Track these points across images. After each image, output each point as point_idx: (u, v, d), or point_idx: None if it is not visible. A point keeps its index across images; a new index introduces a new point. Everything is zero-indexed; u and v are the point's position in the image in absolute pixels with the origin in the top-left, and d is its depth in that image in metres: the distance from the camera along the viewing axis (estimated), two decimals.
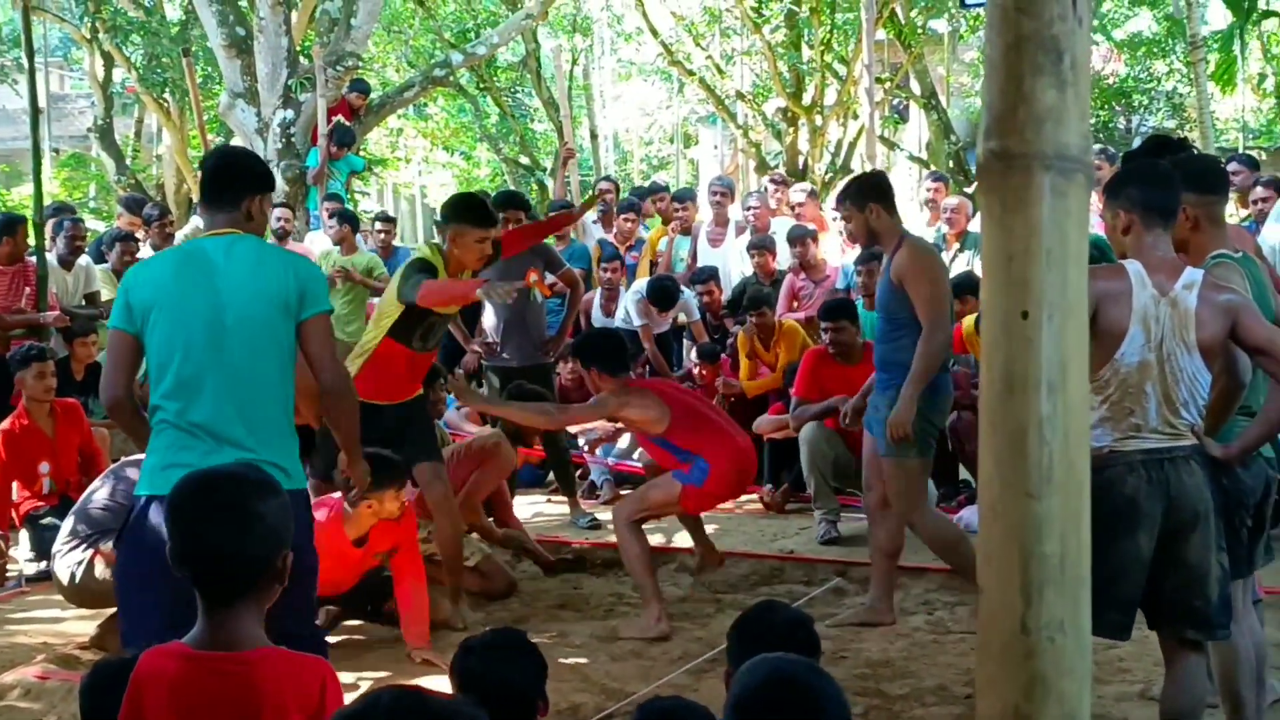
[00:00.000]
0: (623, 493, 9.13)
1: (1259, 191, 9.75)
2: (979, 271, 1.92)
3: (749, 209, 11.12)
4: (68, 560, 5.80)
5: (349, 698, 2.49)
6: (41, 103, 12.63)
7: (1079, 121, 1.69)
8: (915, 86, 21.81)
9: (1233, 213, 9.82)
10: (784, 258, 10.37)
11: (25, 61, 10.00)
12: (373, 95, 15.62)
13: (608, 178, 14.95)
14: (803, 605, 5.59)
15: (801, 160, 20.02)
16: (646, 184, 18.33)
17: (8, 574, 7.18)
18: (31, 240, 9.47)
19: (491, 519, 7.37)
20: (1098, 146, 9.53)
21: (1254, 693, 4.14)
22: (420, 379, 6.47)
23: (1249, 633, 4.16)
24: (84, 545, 5.78)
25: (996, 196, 1.72)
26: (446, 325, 6.50)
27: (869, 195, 5.86)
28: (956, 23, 22.04)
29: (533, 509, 8.90)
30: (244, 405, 3.88)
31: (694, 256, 11.11)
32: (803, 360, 8.19)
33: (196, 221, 10.93)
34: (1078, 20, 1.67)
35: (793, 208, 11.28)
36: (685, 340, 10.41)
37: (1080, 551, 1.70)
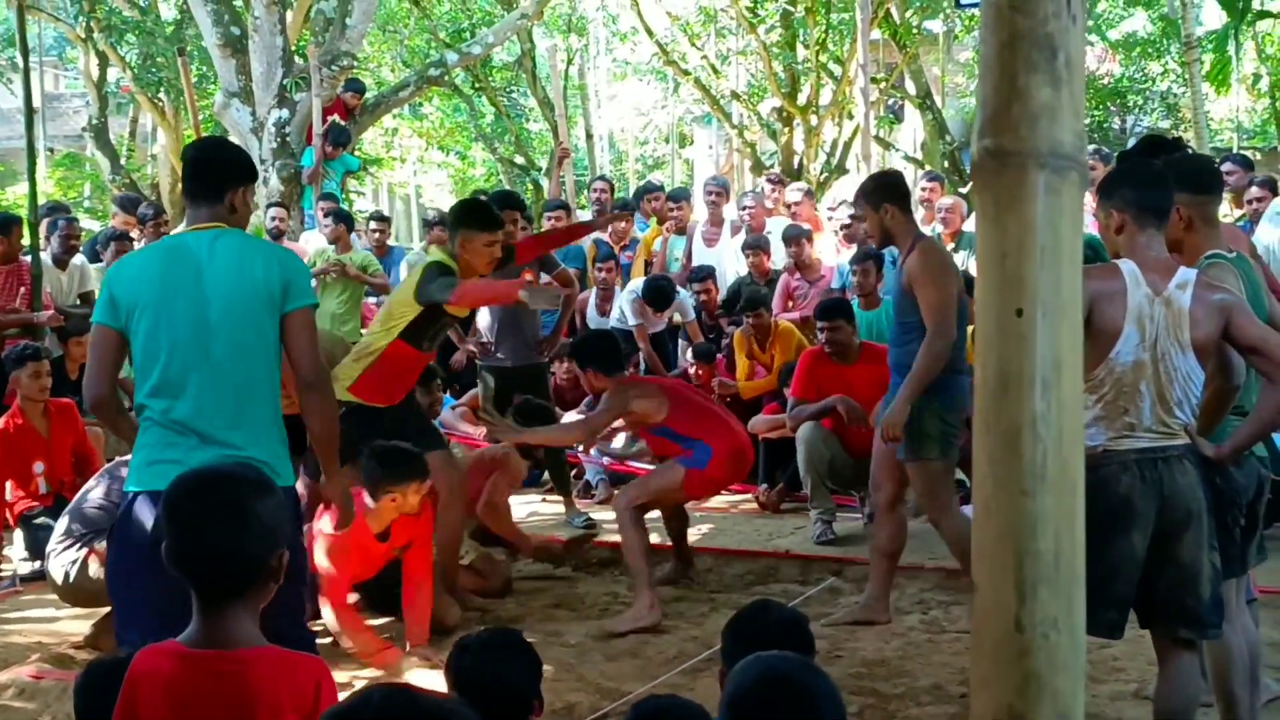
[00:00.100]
0: (617, 492, 9.14)
1: (1254, 191, 9.76)
2: (974, 272, 1.92)
3: (744, 209, 11.12)
4: (62, 560, 5.80)
5: (343, 697, 2.49)
6: (36, 102, 12.61)
7: (1073, 119, 1.69)
8: (910, 86, 21.82)
9: (1227, 213, 9.83)
10: (779, 257, 10.38)
11: (20, 61, 10.00)
12: (368, 95, 15.62)
13: (602, 177, 14.92)
14: (798, 605, 5.58)
15: (796, 160, 20.03)
16: (642, 184, 18.33)
17: (2, 574, 7.17)
18: (26, 240, 9.47)
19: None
20: (1092, 147, 9.53)
21: (1248, 691, 4.15)
22: (416, 380, 6.55)
23: (1243, 631, 4.16)
24: (78, 545, 5.78)
25: (990, 194, 1.72)
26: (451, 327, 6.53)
27: (884, 195, 5.85)
28: (951, 23, 22.05)
29: (528, 508, 8.90)
30: (229, 403, 3.86)
31: (689, 256, 11.12)
32: (800, 360, 8.19)
33: None
34: (1071, 18, 1.67)
35: (789, 207, 11.29)
36: (681, 340, 10.41)
37: (1074, 549, 1.70)
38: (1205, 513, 3.81)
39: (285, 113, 14.18)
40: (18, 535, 7.45)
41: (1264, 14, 20.82)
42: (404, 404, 6.33)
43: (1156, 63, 25.33)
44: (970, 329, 5.92)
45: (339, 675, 3.57)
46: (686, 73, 21.90)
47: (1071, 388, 1.70)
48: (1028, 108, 1.68)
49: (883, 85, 20.41)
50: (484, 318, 8.68)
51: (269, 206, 12.70)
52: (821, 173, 20.10)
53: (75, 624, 6.06)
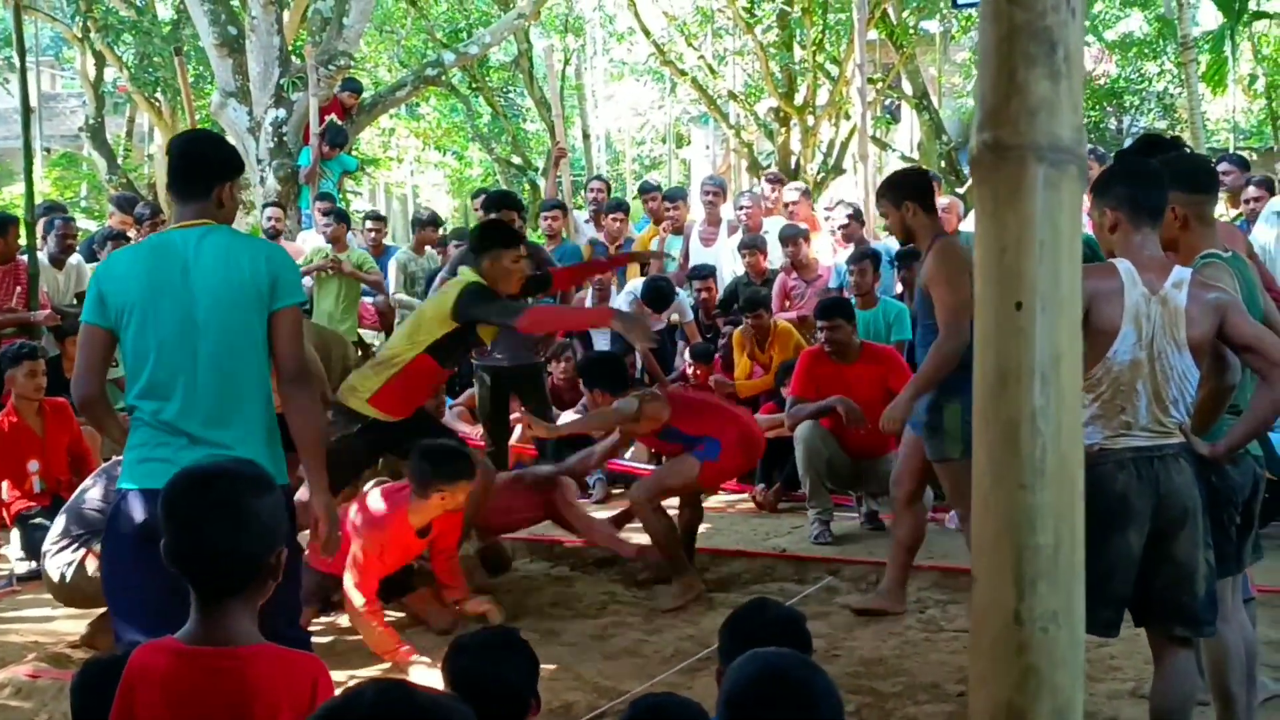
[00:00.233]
0: (615, 492, 9.13)
1: (1251, 191, 9.78)
2: (975, 270, 1.91)
3: (741, 208, 11.12)
4: (58, 560, 5.78)
5: None
6: (33, 102, 12.59)
7: (1072, 113, 1.69)
8: (907, 87, 21.84)
9: (1223, 212, 9.84)
10: (775, 257, 10.38)
11: (16, 60, 9.97)
12: (365, 95, 15.62)
13: (599, 177, 14.94)
14: (795, 603, 5.58)
15: (793, 160, 20.04)
16: (639, 184, 18.34)
17: None
18: (23, 239, 9.46)
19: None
20: (1087, 147, 9.53)
21: (1245, 690, 4.15)
22: (430, 394, 6.79)
23: (1239, 630, 4.16)
24: (75, 545, 5.76)
25: (989, 188, 1.71)
26: None
27: (906, 193, 5.83)
28: (948, 23, 22.04)
29: None
30: (218, 403, 3.82)
31: (686, 256, 11.11)
32: (799, 359, 8.18)
33: None
34: (1070, 12, 1.67)
35: (786, 206, 11.29)
36: (679, 341, 10.40)
37: (1073, 544, 1.70)
38: (1201, 511, 3.81)
39: (282, 112, 14.17)
40: (14, 535, 7.44)
41: (1260, 14, 20.86)
42: (416, 415, 6.38)
43: (1153, 63, 25.33)
44: None
45: (336, 675, 3.57)
46: (683, 73, 21.91)
47: (1071, 382, 1.70)
48: (1026, 101, 1.67)
49: (879, 85, 20.42)
50: None
51: (265, 206, 12.71)
52: (818, 173, 20.11)
53: (72, 623, 6.05)
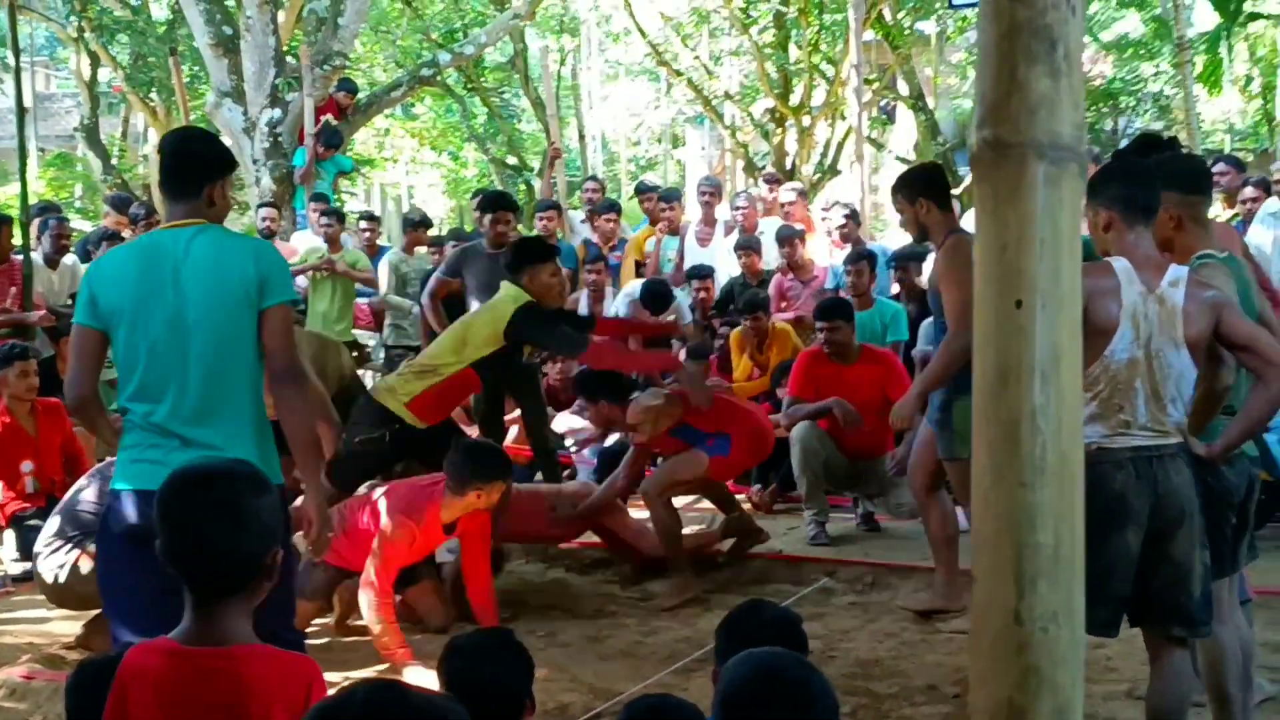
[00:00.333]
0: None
1: (1248, 192, 9.80)
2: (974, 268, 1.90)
3: (737, 209, 11.12)
4: (51, 562, 5.76)
5: None
6: (27, 102, 12.59)
7: (1072, 111, 1.68)
8: (903, 88, 21.85)
9: (1219, 213, 9.85)
10: (771, 257, 10.38)
11: (11, 60, 9.99)
12: (360, 95, 15.62)
13: (593, 177, 14.96)
14: (791, 604, 5.57)
15: (789, 161, 20.03)
16: (634, 184, 18.35)
17: None
18: (17, 239, 9.45)
19: None
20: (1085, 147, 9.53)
21: (1241, 691, 4.14)
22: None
23: (1236, 631, 4.16)
24: (69, 546, 5.74)
25: (989, 186, 1.71)
26: None
27: (920, 189, 5.81)
28: (944, 24, 22.05)
29: None
30: (209, 404, 3.79)
31: (681, 256, 11.11)
32: (797, 360, 8.17)
33: None
34: (1070, 9, 1.67)
35: (782, 207, 11.29)
36: (675, 342, 10.39)
37: (1074, 542, 1.70)
38: (1198, 512, 3.81)
39: (277, 112, 14.17)
40: (8, 536, 7.43)
41: (1255, 15, 20.87)
42: (445, 423, 6.51)
43: (1149, 64, 25.32)
44: None
45: (331, 675, 3.56)
46: (679, 73, 21.90)
47: (1071, 380, 1.70)
48: (1027, 99, 1.67)
49: (875, 86, 20.42)
50: None
51: (260, 206, 12.71)
52: (814, 174, 20.11)
53: (66, 624, 6.04)
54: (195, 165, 3.95)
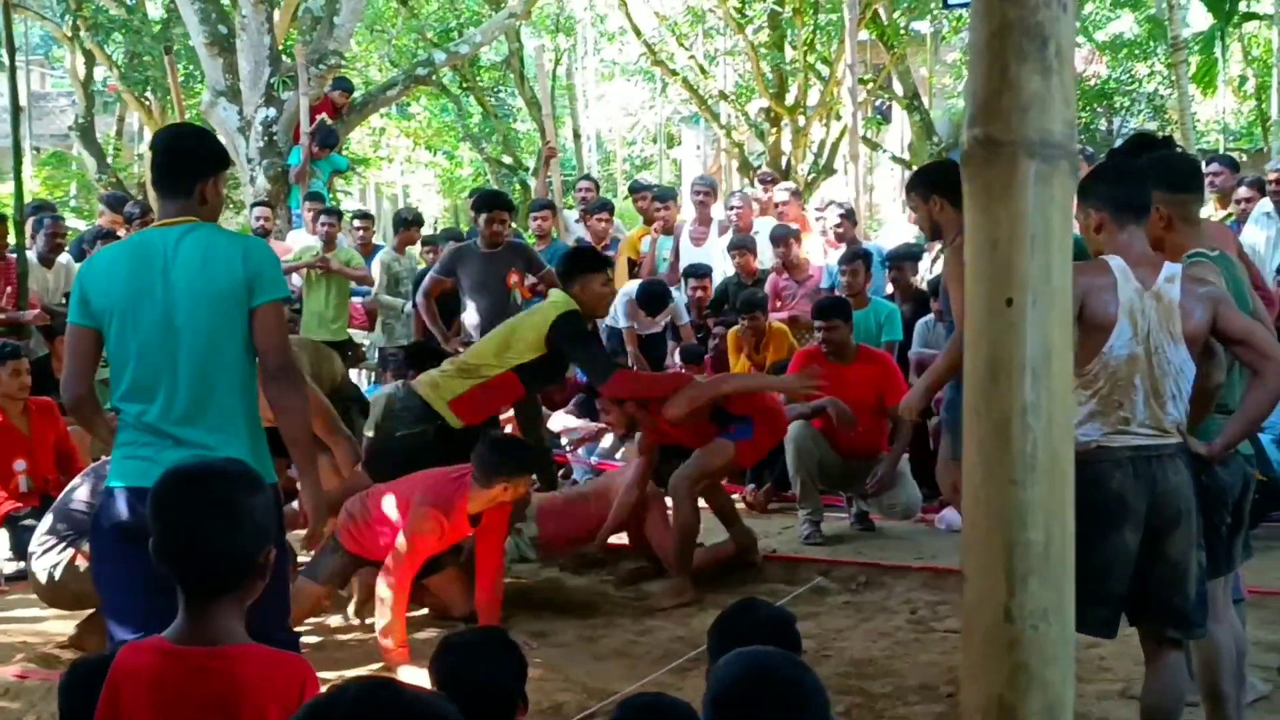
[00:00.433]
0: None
1: (1242, 192, 9.82)
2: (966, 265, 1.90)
3: (731, 209, 11.13)
4: (45, 561, 5.74)
5: None
6: (22, 101, 12.59)
7: (1063, 109, 1.68)
8: (898, 87, 21.86)
9: (1213, 213, 9.86)
10: (765, 257, 10.38)
11: (6, 59, 9.95)
12: (355, 94, 15.61)
13: (587, 176, 14.95)
14: (785, 604, 5.57)
15: (784, 161, 20.04)
16: (629, 184, 18.36)
17: None
18: (12, 238, 9.44)
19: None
20: (1078, 145, 9.56)
21: (1235, 689, 4.15)
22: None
23: (1230, 629, 4.16)
24: (63, 545, 5.72)
25: (981, 183, 1.71)
26: None
27: (934, 187, 5.77)
28: (939, 24, 22.09)
29: None
30: (199, 405, 3.76)
31: (676, 256, 11.11)
32: (794, 359, 8.18)
33: None
34: (1061, 7, 1.67)
35: (775, 207, 11.30)
36: (670, 341, 10.40)
37: (1064, 540, 1.70)
38: (1195, 511, 3.81)
39: (272, 111, 14.16)
40: (2, 535, 7.42)
41: (1250, 16, 20.90)
42: (484, 425, 6.54)
43: (1143, 64, 25.37)
44: None
45: (325, 675, 3.55)
46: (674, 73, 21.91)
47: (1062, 377, 1.70)
48: (1018, 97, 1.67)
49: (870, 86, 20.43)
50: (470, 317, 8.68)
51: (254, 205, 12.71)
52: (809, 173, 20.13)
53: (60, 624, 6.03)
54: (187, 162, 3.91)
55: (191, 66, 18.62)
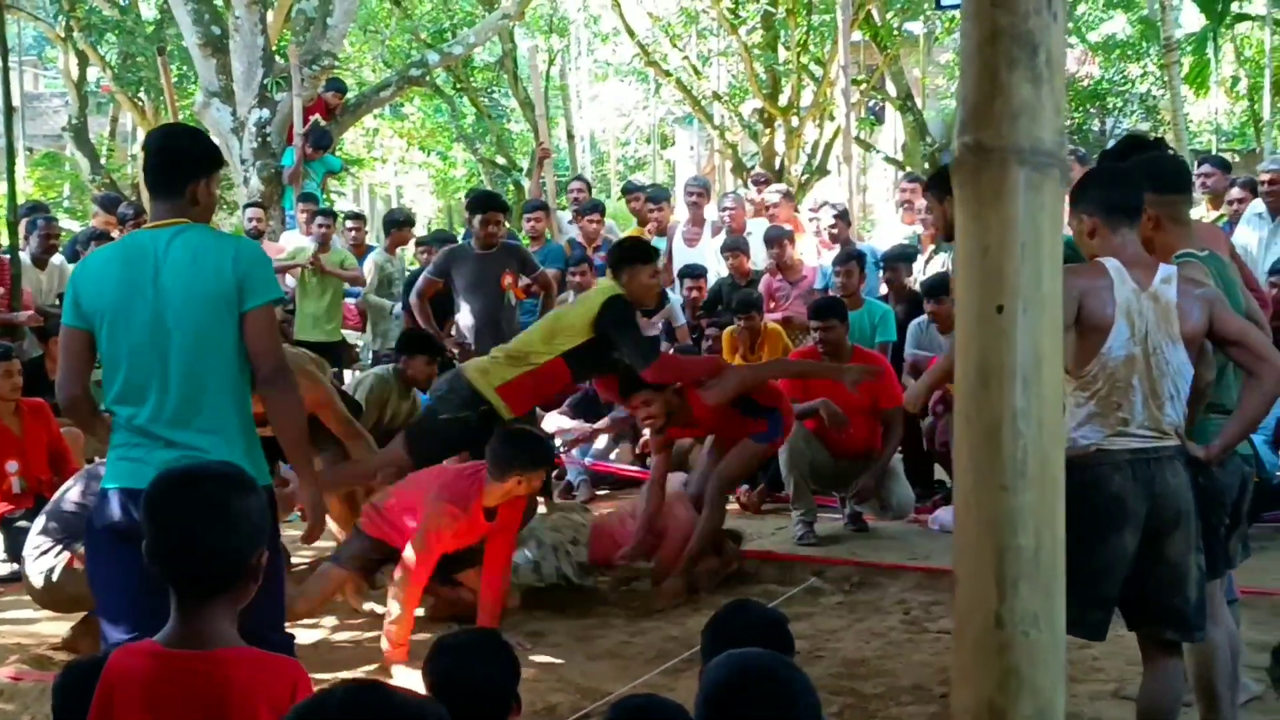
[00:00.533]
0: (599, 493, 9.12)
1: (1234, 193, 9.83)
2: (956, 271, 1.92)
3: (724, 210, 11.13)
4: (41, 563, 5.73)
5: None
6: (15, 101, 12.55)
7: (1053, 116, 1.69)
8: (891, 88, 21.88)
9: (1204, 214, 9.88)
10: (759, 258, 10.39)
11: None
12: (349, 95, 15.61)
13: (579, 177, 14.96)
14: (779, 605, 5.58)
15: (778, 161, 20.05)
16: (623, 185, 18.37)
17: None
18: (5, 239, 9.44)
19: None
20: (1069, 147, 9.56)
21: (1230, 689, 4.16)
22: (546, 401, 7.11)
23: (1225, 630, 4.17)
24: (57, 548, 5.71)
25: (971, 190, 1.72)
26: None
27: (949, 187, 5.81)
28: (932, 25, 22.11)
29: None
30: (190, 407, 3.74)
31: (670, 257, 11.11)
32: (790, 357, 8.19)
33: None
34: (1052, 15, 1.67)
35: (767, 209, 11.31)
36: (665, 342, 10.40)
37: (1055, 545, 1.70)
38: (1194, 514, 3.82)
39: (266, 112, 14.15)
40: None
41: (1242, 16, 20.95)
42: (525, 417, 6.57)
43: (1136, 65, 25.42)
44: None
45: (319, 677, 3.56)
46: (668, 74, 21.92)
47: (1052, 383, 1.71)
48: (1009, 104, 1.68)
49: (864, 87, 20.46)
50: (465, 318, 8.68)
51: (247, 206, 12.71)
52: (802, 174, 20.13)
53: (54, 625, 6.03)
54: (179, 162, 3.89)
55: (185, 67, 18.58)
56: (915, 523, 8.06)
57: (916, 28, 22.51)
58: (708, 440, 7.15)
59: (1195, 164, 10.60)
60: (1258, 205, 9.55)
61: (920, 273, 9.77)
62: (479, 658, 3.10)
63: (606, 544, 6.83)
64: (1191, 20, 22.57)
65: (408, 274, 11.08)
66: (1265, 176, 9.52)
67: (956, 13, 16.55)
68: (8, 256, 9.34)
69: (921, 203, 10.52)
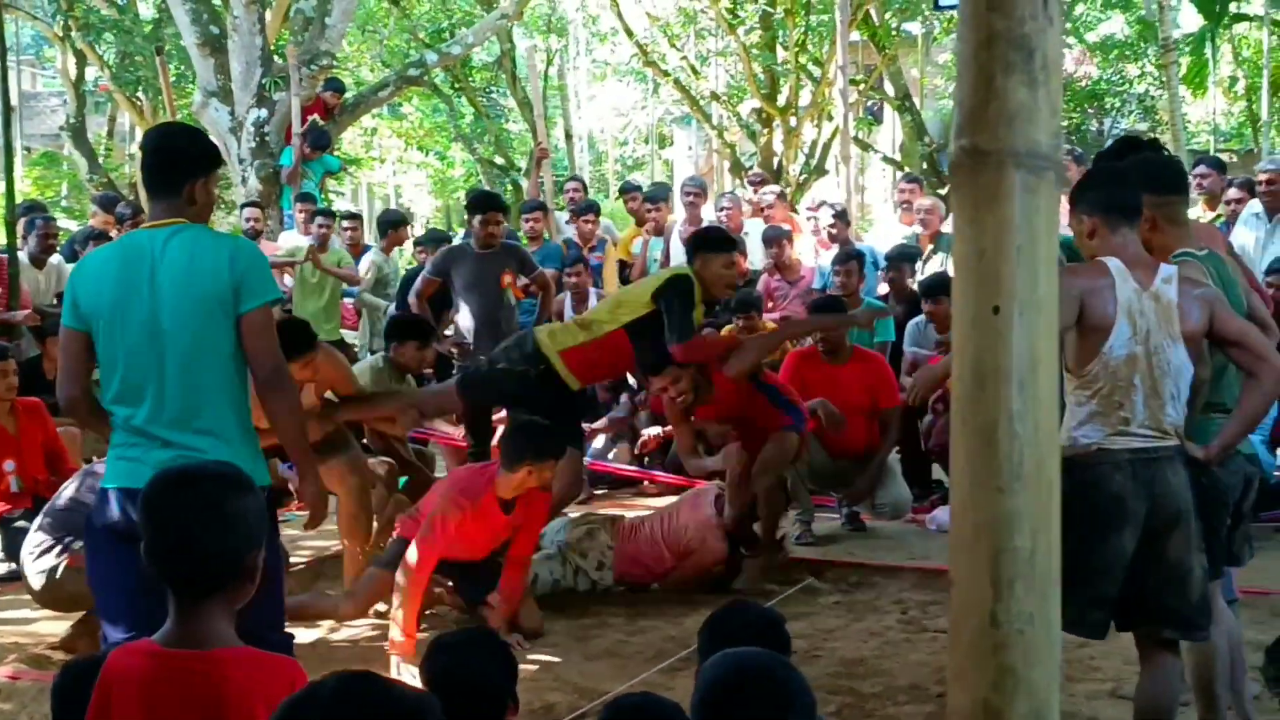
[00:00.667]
0: (597, 493, 9.11)
1: (1232, 193, 9.84)
2: (952, 272, 1.92)
3: (721, 210, 11.14)
4: (41, 563, 5.73)
5: None
6: (13, 101, 12.57)
7: (1050, 119, 1.70)
8: (889, 88, 21.88)
9: (1201, 214, 9.89)
10: (758, 258, 10.40)
11: None
12: (347, 95, 15.61)
13: (575, 177, 14.98)
14: (776, 605, 5.59)
15: (776, 161, 20.06)
16: (620, 184, 18.38)
17: None
18: (3, 239, 9.43)
19: None
20: (1065, 147, 9.57)
21: (1228, 690, 4.17)
22: (602, 380, 7.23)
23: (1224, 630, 4.18)
24: (56, 548, 5.71)
25: (967, 193, 1.73)
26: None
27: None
28: (930, 25, 22.11)
29: None
30: (188, 410, 3.74)
31: (667, 257, 11.12)
32: (786, 359, 8.19)
33: None
34: (1048, 19, 1.68)
35: (762, 210, 11.32)
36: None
37: (1050, 546, 1.71)
38: (1194, 514, 3.82)
39: (264, 112, 14.15)
40: None
41: (1240, 17, 20.96)
42: (574, 396, 6.56)
43: (1134, 65, 25.44)
44: None
45: (316, 676, 3.55)
46: (666, 74, 21.94)
47: (1048, 385, 1.71)
48: (1005, 107, 1.68)
49: (862, 87, 20.46)
50: (464, 319, 8.68)
51: (245, 206, 12.71)
52: (801, 174, 20.15)
53: (52, 625, 6.03)
54: (177, 162, 3.88)
55: (183, 67, 18.57)
56: (913, 523, 8.07)
57: (915, 28, 22.53)
58: (731, 448, 7.13)
59: (1191, 165, 10.60)
60: (1255, 205, 9.56)
61: (919, 273, 9.79)
62: (476, 657, 3.10)
63: (635, 569, 6.76)
64: (1189, 20, 22.58)
65: (404, 274, 11.09)
66: (1263, 177, 9.54)
67: (954, 13, 16.57)
68: (5, 256, 9.33)
69: (921, 202, 10.54)
